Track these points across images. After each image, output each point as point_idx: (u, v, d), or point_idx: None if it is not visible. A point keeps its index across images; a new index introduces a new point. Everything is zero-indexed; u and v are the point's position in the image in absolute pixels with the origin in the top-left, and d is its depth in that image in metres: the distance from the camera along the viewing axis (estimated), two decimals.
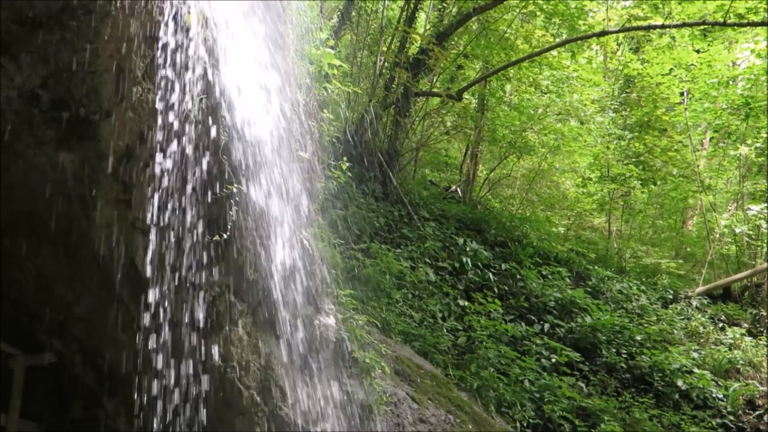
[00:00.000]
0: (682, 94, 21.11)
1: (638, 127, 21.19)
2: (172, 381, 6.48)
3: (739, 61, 21.13)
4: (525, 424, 10.81)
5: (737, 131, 19.90)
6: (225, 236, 6.57)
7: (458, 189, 19.71)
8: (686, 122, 20.69)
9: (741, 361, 14.75)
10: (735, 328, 16.31)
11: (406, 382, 9.04)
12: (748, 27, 16.85)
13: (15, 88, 6.27)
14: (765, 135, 19.11)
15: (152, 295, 6.35)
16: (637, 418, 11.91)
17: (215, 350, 6.79)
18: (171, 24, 6.25)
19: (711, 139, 23.00)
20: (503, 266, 15.23)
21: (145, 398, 6.38)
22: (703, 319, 16.64)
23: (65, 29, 6.07)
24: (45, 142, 6.49)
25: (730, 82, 20.13)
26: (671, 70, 20.25)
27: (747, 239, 19.82)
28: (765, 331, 16.45)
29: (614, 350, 13.93)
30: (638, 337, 14.39)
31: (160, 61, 6.17)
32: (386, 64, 16.65)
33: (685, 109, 20.50)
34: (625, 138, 21.33)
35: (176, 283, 6.42)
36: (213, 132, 6.46)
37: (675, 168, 21.19)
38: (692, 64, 19.82)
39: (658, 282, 18.19)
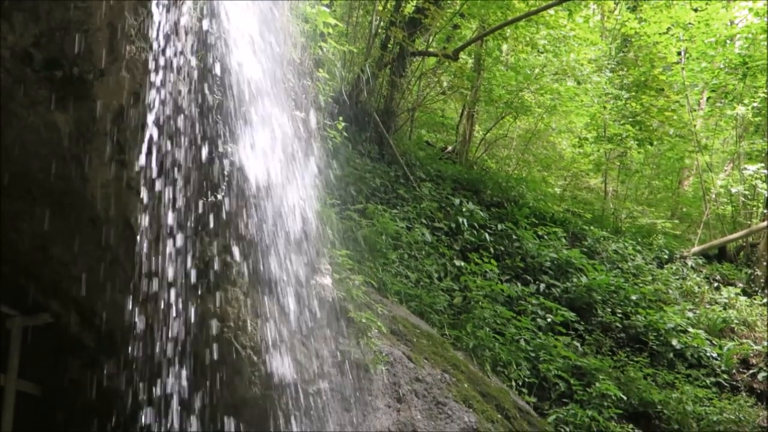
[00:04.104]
0: (679, 53, 20.97)
1: (635, 86, 21.08)
2: (169, 341, 6.50)
3: (737, 20, 21.00)
4: (520, 383, 10.89)
5: (734, 91, 19.82)
6: (220, 196, 6.55)
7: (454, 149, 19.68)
8: (683, 82, 20.59)
9: (735, 321, 14.82)
10: (730, 288, 16.37)
11: (402, 342, 9.08)
12: None
13: (7, 47, 6.21)
14: (762, 95, 19.03)
15: (148, 256, 6.35)
16: (632, 376, 12.00)
17: (212, 310, 6.80)
18: None
19: (708, 98, 22.91)
20: (499, 227, 15.24)
21: (142, 358, 6.40)
22: (698, 278, 16.69)
23: None
24: (39, 102, 6.45)
25: (728, 42, 20.01)
26: (669, 29, 20.09)
27: (743, 199, 19.84)
28: (760, 291, 16.53)
29: (609, 310, 13.99)
30: (633, 297, 14.45)
31: (154, 19, 6.11)
32: (382, 23, 16.51)
33: (683, 68, 20.37)
34: (621, 98, 21.22)
35: (172, 243, 6.41)
36: (207, 91, 6.42)
37: (672, 128, 21.13)
38: (690, 23, 19.67)
39: (653, 242, 18.21)
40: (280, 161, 7.22)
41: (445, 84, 19.81)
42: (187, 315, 6.66)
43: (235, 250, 6.85)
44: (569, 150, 23.28)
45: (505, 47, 20.98)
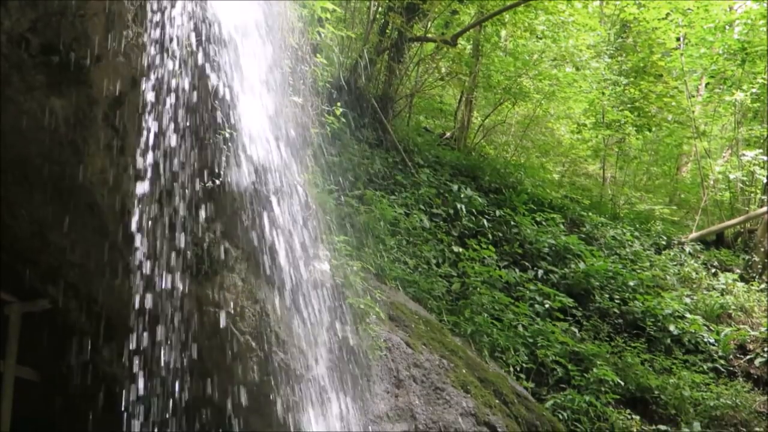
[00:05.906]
0: (678, 39, 20.94)
1: (634, 72, 21.08)
2: (167, 327, 6.50)
3: (736, 5, 20.93)
4: (518, 369, 10.92)
5: (733, 77, 19.75)
6: (218, 182, 6.54)
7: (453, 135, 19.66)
8: (682, 68, 20.54)
9: (733, 306, 14.85)
10: (727, 274, 16.39)
11: (400, 328, 9.09)
12: None
13: (4, 32, 6.19)
14: (761, 80, 18.99)
15: (146, 242, 6.35)
16: (629, 362, 12.03)
17: (210, 296, 6.80)
18: None
19: (707, 84, 22.84)
20: (497, 213, 15.24)
21: (140, 344, 6.40)
22: (695, 264, 16.70)
23: None
24: (35, 88, 6.43)
25: (727, 27, 19.95)
26: (668, 14, 20.06)
27: (741, 185, 19.81)
28: (757, 277, 16.55)
29: (607, 296, 14.01)
30: (631, 283, 14.46)
31: (151, 3, 6.09)
32: (380, 8, 16.45)
33: (681, 54, 20.32)
34: (620, 84, 21.20)
35: (170, 229, 6.41)
36: (205, 75, 6.40)
37: (670, 114, 21.13)
38: (689, 9, 19.63)
39: (651, 228, 18.22)
40: (279, 146, 7.21)
41: (443, 70, 19.77)
42: (185, 301, 6.66)
43: (233, 236, 6.85)
44: (568, 136, 23.26)
45: (503, 33, 20.91)
